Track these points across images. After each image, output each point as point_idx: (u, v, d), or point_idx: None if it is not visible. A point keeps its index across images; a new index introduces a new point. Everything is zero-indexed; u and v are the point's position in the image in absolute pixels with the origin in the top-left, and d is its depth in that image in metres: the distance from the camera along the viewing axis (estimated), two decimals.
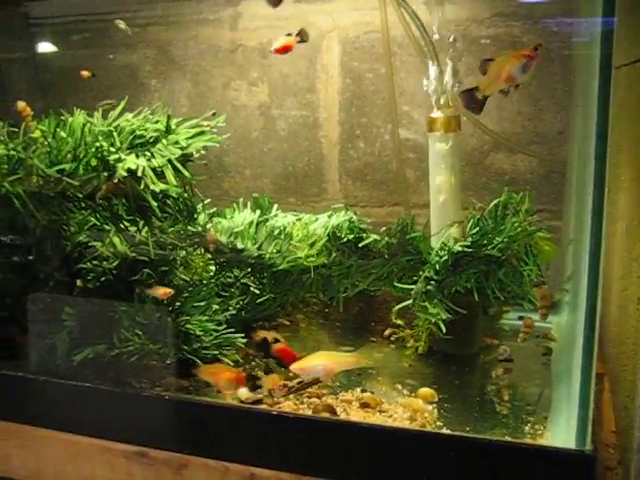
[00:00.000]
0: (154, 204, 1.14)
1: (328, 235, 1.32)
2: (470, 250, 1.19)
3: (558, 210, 1.71)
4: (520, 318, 1.26)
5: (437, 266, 1.21)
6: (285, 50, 1.40)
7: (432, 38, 1.44)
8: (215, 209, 1.50)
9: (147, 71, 2.04)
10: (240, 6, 1.92)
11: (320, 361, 1.18)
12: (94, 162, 1.14)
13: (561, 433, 1.10)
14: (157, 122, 1.24)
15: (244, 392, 1.21)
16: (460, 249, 1.19)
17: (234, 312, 1.30)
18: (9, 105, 2.18)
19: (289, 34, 1.42)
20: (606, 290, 1.27)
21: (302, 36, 1.40)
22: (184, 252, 1.31)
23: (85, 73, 1.60)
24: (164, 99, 2.00)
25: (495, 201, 1.34)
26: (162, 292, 1.20)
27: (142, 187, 1.14)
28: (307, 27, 1.87)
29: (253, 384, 1.20)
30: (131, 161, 1.13)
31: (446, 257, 1.19)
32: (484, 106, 1.17)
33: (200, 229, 1.32)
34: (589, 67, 1.30)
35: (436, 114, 1.41)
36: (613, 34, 0.94)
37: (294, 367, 1.18)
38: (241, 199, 1.58)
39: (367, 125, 1.87)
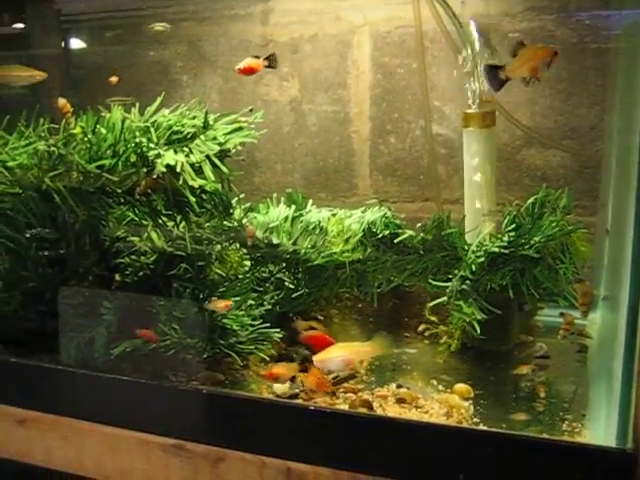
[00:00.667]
0: (192, 200, 1.15)
1: (363, 231, 1.33)
2: (506, 251, 1.18)
3: (591, 206, 1.69)
4: (561, 315, 1.25)
5: (473, 266, 1.20)
6: (250, 72, 1.39)
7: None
8: (249, 204, 1.51)
9: (179, 67, 2.05)
10: (271, 2, 1.92)
11: (339, 352, 1.18)
12: (133, 158, 1.16)
13: (599, 431, 1.09)
14: (194, 118, 1.25)
15: (280, 386, 1.22)
16: (497, 250, 1.19)
17: (269, 307, 1.30)
18: (43, 100, 2.22)
19: (257, 57, 1.41)
20: None
21: (271, 62, 1.39)
22: (219, 247, 1.32)
23: (114, 79, 1.60)
24: (197, 95, 2.01)
25: (532, 198, 1.33)
26: (223, 305, 1.21)
27: (180, 183, 1.15)
28: (338, 22, 1.89)
29: (292, 378, 1.21)
30: (170, 157, 1.14)
31: (482, 257, 1.19)
32: (503, 87, 1.17)
33: (236, 224, 1.32)
34: (629, 60, 1.28)
35: (471, 110, 1.41)
36: None
37: (316, 360, 1.18)
38: (274, 194, 1.59)
39: (398, 120, 1.86)
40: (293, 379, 1.21)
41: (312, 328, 1.29)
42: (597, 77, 1.68)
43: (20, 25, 2.21)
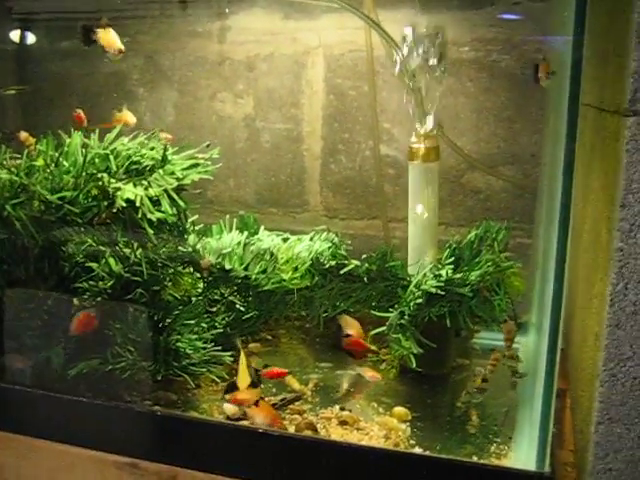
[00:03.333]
0: (151, 232, 1.21)
1: (312, 260, 1.40)
2: (443, 292, 1.27)
3: (530, 228, 1.79)
4: (491, 350, 1.35)
5: (411, 304, 1.29)
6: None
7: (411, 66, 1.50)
8: (202, 225, 1.57)
9: (135, 79, 2.08)
10: (229, 20, 1.97)
11: None
12: (94, 191, 1.20)
13: (523, 454, 1.19)
14: (153, 149, 1.30)
15: (230, 407, 1.29)
16: (433, 290, 1.27)
17: (221, 330, 1.37)
18: None
19: None
20: (570, 311, 1.37)
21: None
22: (172, 270, 1.37)
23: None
24: (152, 108, 2.05)
25: (472, 233, 1.42)
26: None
27: (139, 215, 1.21)
28: (293, 43, 1.95)
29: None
30: (129, 191, 1.19)
31: (420, 298, 1.28)
32: None
33: (190, 249, 1.38)
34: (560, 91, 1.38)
35: (416, 144, 1.49)
36: (580, 72, 1.01)
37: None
38: (227, 216, 1.64)
39: (348, 140, 1.94)
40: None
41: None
42: (538, 106, 1.77)
43: None
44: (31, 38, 2.20)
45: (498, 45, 1.80)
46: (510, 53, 1.80)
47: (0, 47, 2.25)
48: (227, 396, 1.26)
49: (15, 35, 2.20)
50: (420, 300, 1.26)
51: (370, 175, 1.93)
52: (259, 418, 1.18)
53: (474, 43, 1.82)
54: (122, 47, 1.37)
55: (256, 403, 1.19)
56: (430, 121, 1.45)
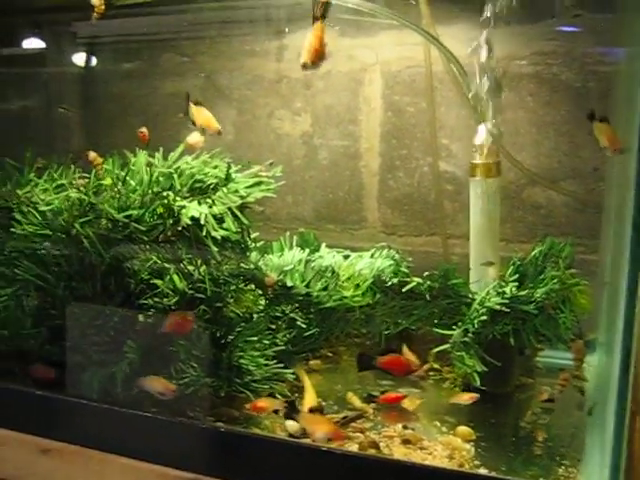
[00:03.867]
0: (215, 249, 1.22)
1: (373, 277, 1.39)
2: (508, 309, 1.25)
3: (593, 244, 1.75)
4: (560, 370, 1.32)
5: (475, 321, 1.27)
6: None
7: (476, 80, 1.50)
8: (262, 242, 1.58)
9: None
10: (286, 39, 1.99)
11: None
12: (160, 209, 1.23)
13: (594, 477, 1.16)
14: (216, 167, 1.32)
15: (293, 425, 1.29)
16: (498, 308, 1.25)
17: (282, 347, 1.37)
18: (54, 119, 2.27)
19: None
20: None
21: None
22: (234, 287, 1.39)
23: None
24: None
25: (537, 250, 1.39)
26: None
27: (204, 233, 1.22)
28: (350, 60, 1.96)
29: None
30: (194, 209, 1.21)
31: (485, 315, 1.26)
32: None
33: (252, 266, 1.39)
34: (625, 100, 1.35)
35: (477, 160, 1.47)
36: None
37: None
38: (287, 233, 1.65)
39: (406, 157, 1.93)
40: (276, 412, 1.29)
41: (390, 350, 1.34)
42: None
43: (36, 46, 2.27)
44: (94, 60, 2.26)
45: (558, 58, 1.77)
46: (570, 66, 1.77)
47: (65, 70, 2.32)
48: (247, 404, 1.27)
49: (79, 58, 2.27)
50: (484, 317, 1.25)
51: (428, 191, 1.91)
52: (320, 434, 1.17)
53: (533, 57, 1.80)
54: (219, 127, 1.38)
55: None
56: (487, 133, 1.44)
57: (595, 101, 1.75)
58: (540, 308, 1.25)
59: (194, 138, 1.39)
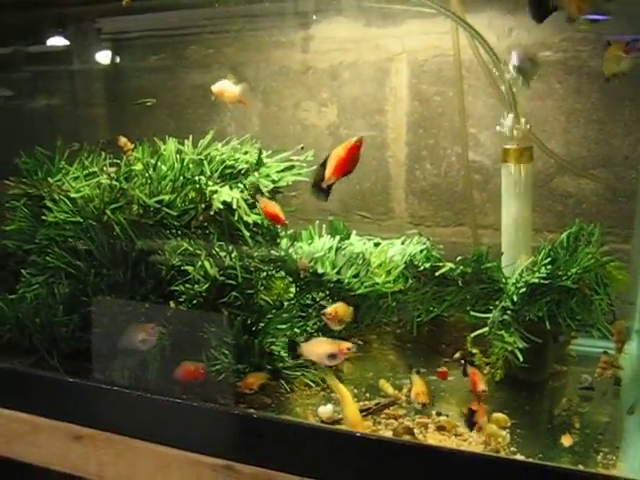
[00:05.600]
0: (247, 234, 1.22)
1: (405, 263, 1.38)
2: (546, 282, 1.24)
3: (625, 234, 1.73)
4: (604, 353, 1.30)
5: (514, 296, 1.26)
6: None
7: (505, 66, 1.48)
8: (291, 231, 1.57)
9: None
10: (311, 29, 1.98)
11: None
12: (192, 194, 1.22)
13: (634, 464, 1.13)
14: (246, 153, 1.31)
15: (325, 411, 1.28)
16: (537, 280, 1.24)
17: (314, 333, 1.36)
18: (82, 111, 2.28)
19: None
20: None
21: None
22: (266, 274, 1.38)
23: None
24: (237, 119, 2.08)
25: (566, 232, 1.38)
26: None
27: (236, 218, 1.22)
28: (376, 50, 1.95)
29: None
30: (226, 193, 1.20)
31: (523, 288, 1.24)
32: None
33: (283, 253, 1.38)
34: None
35: (509, 145, 1.46)
36: None
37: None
38: (317, 222, 1.65)
39: (434, 146, 1.91)
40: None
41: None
42: (631, 107, 1.71)
43: (61, 43, 2.28)
44: (120, 55, 2.27)
45: (588, 45, 1.74)
46: (601, 53, 1.74)
47: (91, 65, 2.34)
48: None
49: (105, 54, 2.28)
50: (524, 290, 1.22)
51: (456, 181, 1.90)
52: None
53: (562, 44, 1.78)
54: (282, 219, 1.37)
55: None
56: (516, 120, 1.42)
57: (626, 88, 1.73)
58: (577, 282, 1.23)
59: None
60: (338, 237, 1.52)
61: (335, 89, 1.98)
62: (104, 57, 2.30)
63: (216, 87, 1.49)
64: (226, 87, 1.45)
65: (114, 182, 1.24)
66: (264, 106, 2.07)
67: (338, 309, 1.25)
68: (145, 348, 1.25)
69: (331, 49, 1.98)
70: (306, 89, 2.02)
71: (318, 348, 1.23)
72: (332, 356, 1.21)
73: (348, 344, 1.20)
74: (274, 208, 1.31)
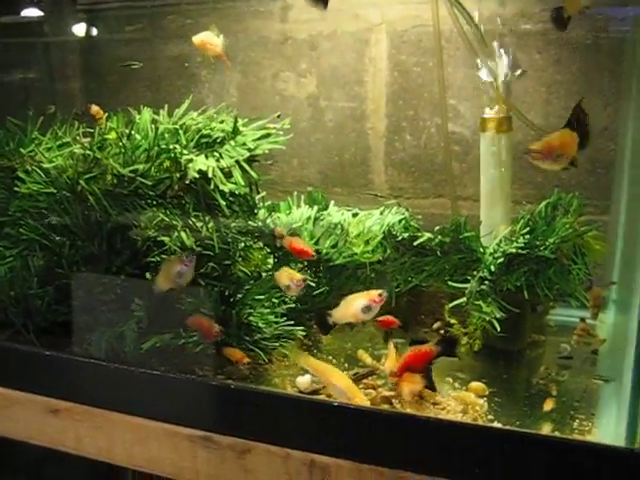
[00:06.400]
0: (223, 203, 1.20)
1: (384, 233, 1.38)
2: (523, 252, 1.23)
3: (603, 205, 1.73)
4: (581, 320, 1.30)
5: (492, 266, 1.25)
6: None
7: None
8: (270, 202, 1.56)
9: (198, 62, 2.08)
10: None
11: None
12: (166, 163, 1.20)
13: (609, 430, 1.14)
14: (222, 122, 1.29)
15: (303, 381, 1.28)
16: (514, 250, 1.24)
17: (292, 305, 1.36)
18: (59, 86, 2.25)
19: None
20: None
21: None
22: (243, 245, 1.37)
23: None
24: (215, 90, 2.06)
25: (544, 202, 1.37)
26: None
27: (211, 187, 1.20)
28: (356, 20, 1.92)
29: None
30: (201, 162, 1.18)
31: (501, 258, 1.24)
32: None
33: (260, 224, 1.37)
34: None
35: (488, 114, 1.45)
36: None
37: None
38: (295, 193, 1.63)
39: (413, 118, 1.90)
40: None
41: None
42: (611, 78, 1.71)
43: (36, 13, 2.24)
44: (96, 26, 2.23)
45: None
46: (580, 24, 1.73)
47: (67, 37, 2.29)
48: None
49: (81, 25, 2.24)
50: (501, 260, 1.22)
51: (436, 153, 1.89)
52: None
53: (542, 14, 1.76)
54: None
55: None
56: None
57: (606, 59, 1.72)
58: (554, 252, 1.23)
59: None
60: (316, 208, 1.50)
61: (314, 59, 1.96)
62: (80, 28, 2.25)
63: (198, 38, 1.45)
64: (209, 39, 1.40)
65: (87, 152, 1.21)
66: (242, 77, 2.04)
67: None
68: (182, 282, 1.22)
69: (310, 19, 1.95)
70: (285, 59, 1.99)
71: (349, 308, 1.21)
72: (367, 308, 1.19)
73: (377, 292, 1.19)
74: (299, 243, 1.33)
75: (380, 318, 1.29)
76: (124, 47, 2.19)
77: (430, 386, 1.22)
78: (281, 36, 1.98)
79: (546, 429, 1.16)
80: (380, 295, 1.19)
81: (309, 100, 1.99)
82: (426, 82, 1.86)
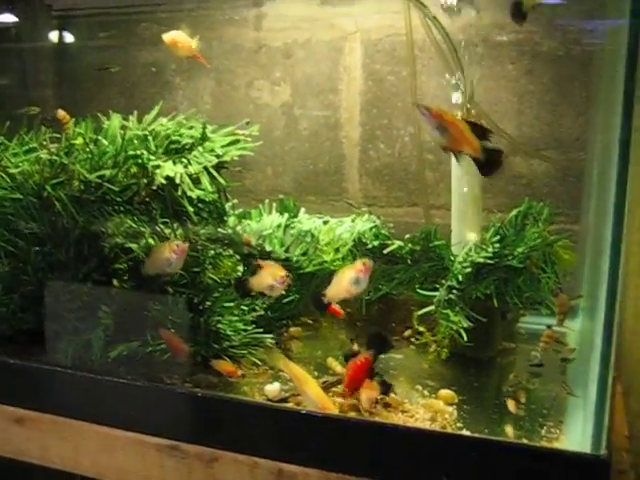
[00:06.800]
0: (190, 209, 1.19)
1: (354, 240, 1.37)
2: (491, 262, 1.24)
3: (574, 214, 1.74)
4: (548, 327, 1.30)
5: (459, 276, 1.25)
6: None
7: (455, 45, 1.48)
8: (242, 210, 1.55)
9: (172, 69, 2.08)
10: (265, 7, 1.96)
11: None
12: (134, 169, 1.19)
13: (576, 437, 1.15)
14: (191, 128, 1.29)
15: (272, 389, 1.27)
16: (482, 260, 1.24)
17: (262, 312, 1.35)
18: (33, 94, 2.23)
19: None
20: (622, 294, 1.32)
21: None
22: (213, 252, 1.36)
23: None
24: (189, 97, 2.05)
25: (515, 210, 1.38)
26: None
27: (179, 193, 1.19)
28: (330, 29, 1.93)
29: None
30: (169, 168, 1.18)
31: (469, 268, 1.24)
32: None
33: (230, 231, 1.36)
34: (610, 71, 1.33)
35: None
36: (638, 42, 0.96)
37: None
38: (266, 200, 1.63)
39: (387, 126, 1.91)
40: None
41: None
42: (582, 88, 1.72)
43: (11, 19, 2.22)
44: (70, 33, 2.21)
45: (540, 26, 1.75)
46: (553, 34, 1.75)
47: (41, 43, 2.27)
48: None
49: (55, 31, 2.22)
50: (469, 270, 1.22)
51: (409, 161, 1.89)
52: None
53: (515, 25, 1.77)
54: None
55: None
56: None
57: (577, 70, 1.74)
58: (522, 262, 1.24)
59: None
60: (287, 215, 1.50)
61: (288, 68, 1.96)
62: (54, 35, 2.23)
63: (168, 37, 1.41)
64: (180, 37, 1.38)
65: (54, 157, 1.20)
66: (216, 85, 2.04)
67: None
68: (170, 270, 1.20)
69: (284, 27, 1.95)
70: (259, 68, 1.99)
71: (340, 285, 1.19)
72: (356, 280, 1.18)
73: (360, 261, 1.16)
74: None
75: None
76: (97, 53, 2.18)
77: (385, 390, 1.21)
78: (255, 44, 1.98)
79: (515, 436, 1.15)
80: (364, 264, 1.17)
81: (283, 108, 1.98)
82: (400, 91, 1.87)
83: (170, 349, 1.24)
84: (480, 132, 1.10)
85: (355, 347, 1.30)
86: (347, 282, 1.17)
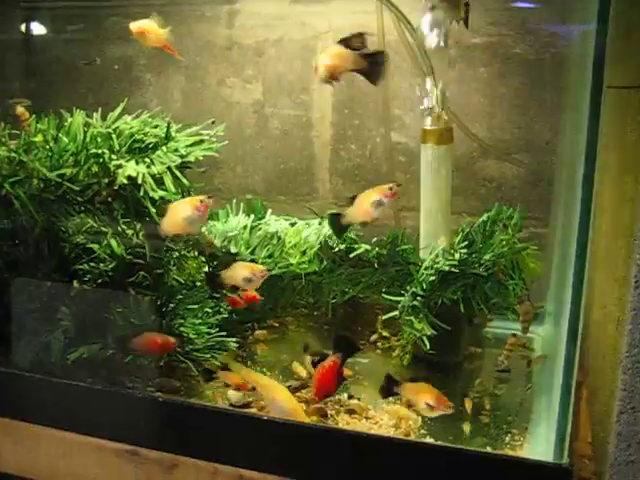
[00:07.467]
0: (153, 210, 1.17)
1: (320, 244, 1.36)
2: (456, 270, 1.23)
3: (544, 217, 1.74)
4: (513, 335, 1.30)
5: (424, 283, 1.24)
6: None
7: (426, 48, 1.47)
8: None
9: (142, 65, 2.04)
10: (237, 4, 1.93)
11: None
12: (95, 168, 1.16)
13: (540, 444, 1.14)
14: (156, 127, 1.26)
15: (235, 395, 1.25)
16: (447, 268, 1.23)
17: (226, 315, 1.33)
18: None
19: None
20: (588, 300, 1.32)
21: None
22: (177, 254, 1.33)
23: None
24: (159, 94, 2.02)
25: (484, 216, 1.37)
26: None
27: (141, 193, 1.17)
28: (303, 28, 1.91)
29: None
30: (131, 168, 1.15)
31: (433, 275, 1.23)
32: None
33: None
34: (576, 75, 1.33)
35: (429, 126, 1.44)
36: (605, 48, 0.96)
37: None
38: (234, 200, 1.60)
39: (359, 127, 1.89)
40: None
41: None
42: (553, 92, 1.72)
43: None
44: (40, 26, 2.17)
45: (512, 30, 1.74)
46: (525, 38, 1.75)
47: (9, 37, 2.22)
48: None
49: (24, 24, 2.18)
50: (433, 278, 1.21)
51: (380, 162, 1.88)
52: None
53: (488, 28, 1.77)
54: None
55: None
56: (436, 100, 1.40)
57: (549, 74, 1.74)
58: (489, 269, 1.23)
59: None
60: (253, 216, 1.48)
61: (260, 66, 1.94)
62: (21, 27, 2.19)
63: (136, 25, 1.35)
64: (149, 27, 1.32)
65: (12, 154, 1.17)
66: (187, 81, 2.01)
67: None
68: (192, 229, 1.16)
69: (257, 25, 1.93)
70: (231, 65, 1.96)
71: (362, 205, 1.17)
72: (378, 203, 1.16)
73: (387, 185, 1.14)
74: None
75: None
76: (65, 47, 2.13)
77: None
78: (227, 41, 1.96)
79: (478, 444, 1.15)
80: (391, 189, 1.14)
81: (255, 107, 1.96)
82: (371, 92, 1.85)
83: (155, 351, 1.21)
84: (355, 42, 1.08)
85: (308, 358, 1.27)
86: (369, 204, 1.15)
